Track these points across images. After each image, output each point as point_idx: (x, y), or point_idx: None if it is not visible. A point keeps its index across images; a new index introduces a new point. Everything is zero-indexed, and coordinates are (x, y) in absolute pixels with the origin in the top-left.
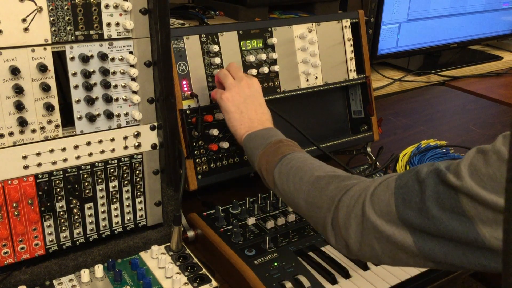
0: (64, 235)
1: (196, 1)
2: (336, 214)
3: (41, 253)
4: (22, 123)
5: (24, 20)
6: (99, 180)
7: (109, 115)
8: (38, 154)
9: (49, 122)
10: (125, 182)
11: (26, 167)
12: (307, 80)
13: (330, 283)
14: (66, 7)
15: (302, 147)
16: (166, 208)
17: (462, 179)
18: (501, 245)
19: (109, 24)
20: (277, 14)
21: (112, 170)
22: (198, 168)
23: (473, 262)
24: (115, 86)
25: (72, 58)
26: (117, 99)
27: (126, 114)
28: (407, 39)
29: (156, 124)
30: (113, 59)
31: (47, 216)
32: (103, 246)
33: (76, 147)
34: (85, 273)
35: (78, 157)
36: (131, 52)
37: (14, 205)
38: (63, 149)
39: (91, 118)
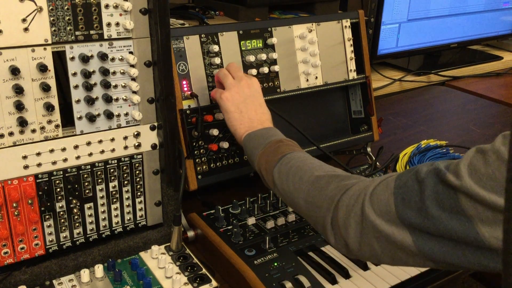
0: (64, 235)
1: (196, 1)
2: (335, 214)
3: (41, 253)
4: (22, 123)
5: (24, 20)
6: (99, 180)
7: (109, 115)
8: (38, 154)
9: (49, 122)
10: (125, 182)
11: (26, 167)
12: (307, 80)
13: (330, 283)
14: (66, 7)
15: (302, 147)
16: (166, 208)
17: (461, 178)
18: (500, 244)
19: (109, 24)
20: (277, 14)
21: (112, 170)
22: (198, 168)
23: (473, 261)
24: (115, 86)
25: (72, 58)
26: (117, 99)
27: (126, 114)
28: (407, 39)
29: (156, 124)
30: (113, 59)
31: (47, 216)
32: (103, 246)
33: (76, 147)
34: (85, 273)
35: (78, 157)
36: (131, 52)
37: (14, 205)
38: (63, 149)
39: (91, 118)
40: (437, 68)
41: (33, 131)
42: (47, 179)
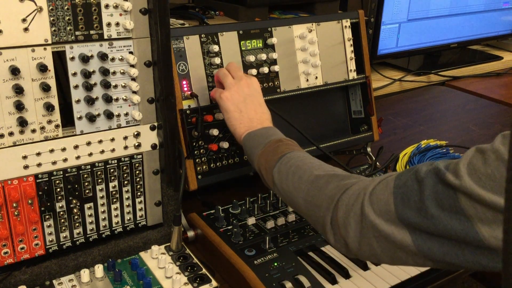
0: (64, 235)
1: (196, 1)
2: (335, 213)
3: (41, 253)
4: (22, 123)
5: (24, 20)
6: (99, 180)
7: (109, 115)
8: (38, 154)
9: (49, 122)
10: (125, 182)
11: (26, 167)
12: (307, 80)
13: (330, 283)
14: (66, 7)
15: (302, 147)
16: (166, 208)
17: (461, 178)
18: (499, 244)
19: (109, 24)
20: (277, 14)
21: (112, 170)
22: (198, 168)
23: (472, 261)
24: (115, 86)
25: (72, 58)
26: (117, 99)
27: (126, 114)
28: (407, 39)
29: (156, 124)
30: (113, 59)
31: (47, 216)
32: (103, 246)
33: (76, 147)
34: (85, 273)
35: (78, 157)
36: (131, 52)
37: (14, 205)
38: (63, 149)
39: (91, 118)
40: (437, 68)
41: (33, 131)
42: (47, 179)
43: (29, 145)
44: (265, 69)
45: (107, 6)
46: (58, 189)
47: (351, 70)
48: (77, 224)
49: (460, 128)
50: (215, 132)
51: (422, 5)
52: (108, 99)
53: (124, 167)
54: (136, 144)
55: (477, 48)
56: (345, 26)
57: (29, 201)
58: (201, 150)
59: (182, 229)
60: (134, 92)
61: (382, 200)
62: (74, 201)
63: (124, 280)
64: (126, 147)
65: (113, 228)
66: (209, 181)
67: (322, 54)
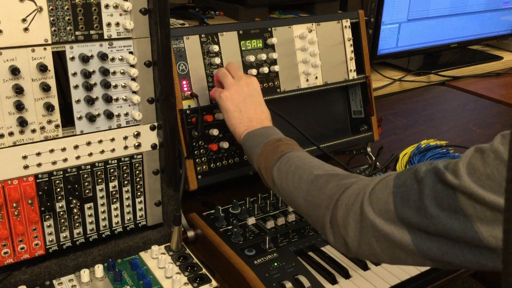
0: (64, 235)
1: (196, 1)
2: (334, 213)
3: (41, 253)
4: (22, 123)
5: (24, 20)
6: (99, 180)
7: (109, 115)
8: (38, 154)
9: (49, 122)
10: (125, 182)
11: (26, 167)
12: (307, 80)
13: (330, 283)
14: (66, 7)
15: (302, 147)
16: (166, 208)
17: (460, 178)
18: (499, 244)
19: (109, 24)
20: (277, 14)
21: (112, 170)
22: (198, 168)
23: (471, 261)
24: (115, 86)
25: (72, 58)
26: (117, 99)
27: (126, 114)
28: (407, 39)
29: (156, 124)
30: (113, 59)
31: (47, 216)
32: (103, 246)
33: (76, 147)
34: (85, 273)
35: (78, 157)
36: (131, 52)
37: (14, 205)
38: (63, 149)
39: (91, 118)
40: (437, 68)
41: (33, 131)
42: (47, 179)
43: (29, 145)
44: (265, 69)
45: (107, 6)
46: (58, 189)
47: (351, 70)
48: (77, 224)
49: (460, 128)
50: (215, 132)
51: (422, 5)
52: (108, 99)
53: (124, 167)
54: (136, 144)
55: (477, 48)
56: (345, 26)
57: (29, 201)
58: (201, 150)
59: (182, 229)
60: (134, 92)
61: (382, 200)
62: (74, 201)
63: (124, 280)
64: (126, 147)
65: (113, 228)
66: (209, 181)
67: (322, 54)
